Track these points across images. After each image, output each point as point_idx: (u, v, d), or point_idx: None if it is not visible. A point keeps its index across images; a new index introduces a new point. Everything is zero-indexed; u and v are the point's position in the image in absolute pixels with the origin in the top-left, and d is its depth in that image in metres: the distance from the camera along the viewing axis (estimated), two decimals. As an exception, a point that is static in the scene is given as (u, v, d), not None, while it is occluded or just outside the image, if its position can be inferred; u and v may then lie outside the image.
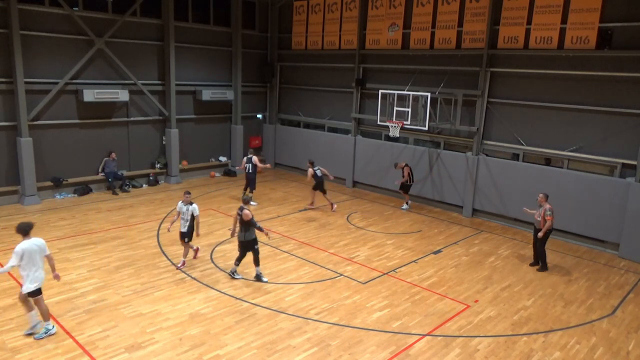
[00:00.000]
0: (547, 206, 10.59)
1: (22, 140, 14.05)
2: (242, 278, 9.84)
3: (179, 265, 10.23)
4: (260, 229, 9.58)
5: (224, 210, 14.57)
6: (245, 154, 15.91)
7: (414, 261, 11.27)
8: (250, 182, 15.31)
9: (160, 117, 17.51)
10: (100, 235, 12.02)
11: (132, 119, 16.82)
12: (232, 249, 11.47)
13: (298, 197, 16.23)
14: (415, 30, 15.71)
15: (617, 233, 12.20)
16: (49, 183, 15.00)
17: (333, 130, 18.93)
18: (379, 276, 10.32)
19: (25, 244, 7.20)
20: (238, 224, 9.66)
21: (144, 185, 17.08)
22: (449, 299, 9.44)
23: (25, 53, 14.00)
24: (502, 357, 7.57)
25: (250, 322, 8.19)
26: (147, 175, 17.28)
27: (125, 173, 16.65)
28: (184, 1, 17.59)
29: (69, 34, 14.92)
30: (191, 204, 10.07)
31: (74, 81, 15.20)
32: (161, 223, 13.05)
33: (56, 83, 14.74)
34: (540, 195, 10.82)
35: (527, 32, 13.34)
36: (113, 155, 16.11)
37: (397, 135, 15.06)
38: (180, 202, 10.18)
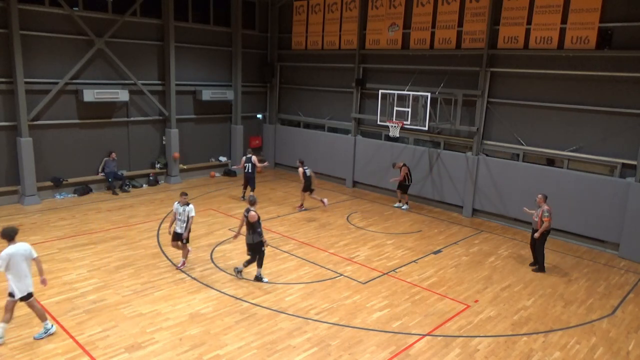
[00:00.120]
0: (545, 207, 10.59)
1: (22, 140, 14.05)
2: (244, 278, 9.85)
3: (179, 265, 10.23)
4: (259, 235, 9.48)
5: (224, 210, 14.57)
6: (244, 154, 15.92)
7: (414, 261, 11.28)
8: (250, 182, 15.32)
9: (160, 117, 17.51)
10: (100, 235, 12.02)
11: (132, 119, 16.82)
12: (232, 249, 11.48)
13: (298, 197, 16.18)
14: (415, 30, 15.71)
15: (617, 233, 12.20)
16: (49, 183, 15.00)
17: (333, 130, 18.93)
18: (379, 276, 10.33)
19: (11, 249, 7.10)
20: (245, 226, 9.59)
21: (144, 185, 17.08)
22: (449, 299, 9.44)
23: (25, 53, 14.00)
24: (502, 357, 7.57)
25: (250, 322, 8.19)
26: (147, 175, 17.28)
27: (125, 173, 16.65)
28: (184, 1, 17.59)
29: (69, 34, 14.92)
30: (188, 204, 10.00)
31: (74, 81, 15.20)
32: (161, 223, 13.05)
33: (56, 83, 14.75)
34: (539, 196, 10.82)
35: (527, 32, 13.34)
36: (113, 155, 16.11)
37: (397, 135, 15.07)
38: (177, 203, 10.09)
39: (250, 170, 15.20)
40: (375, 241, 12.51)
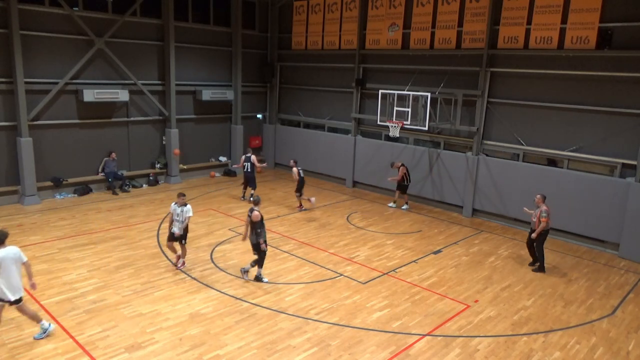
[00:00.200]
0: (544, 207, 10.60)
1: (22, 140, 14.05)
2: (250, 280, 9.82)
3: (179, 266, 10.22)
4: (258, 236, 9.40)
5: (224, 210, 14.57)
6: (244, 153, 15.95)
7: (414, 261, 11.27)
8: (250, 181, 15.36)
9: (160, 117, 17.51)
10: (100, 235, 12.02)
11: (132, 119, 16.82)
12: (232, 249, 11.48)
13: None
14: (415, 30, 15.71)
15: (617, 233, 12.20)
16: (49, 183, 15.00)
17: (333, 130, 18.92)
18: (379, 276, 10.32)
19: (1, 253, 7.02)
20: (249, 227, 9.56)
21: (144, 185, 17.08)
22: (449, 299, 9.44)
23: (25, 53, 14.00)
24: (502, 357, 7.57)
25: (250, 322, 8.19)
26: (147, 175, 17.28)
27: (125, 173, 16.65)
28: (184, 1, 17.59)
29: (69, 34, 14.92)
30: (185, 205, 9.91)
31: (74, 81, 15.20)
32: (161, 223, 13.04)
33: (56, 83, 14.74)
34: (538, 196, 10.83)
35: (527, 32, 13.34)
36: (113, 155, 16.11)
37: (397, 135, 15.06)
38: (174, 203, 10.01)
39: (249, 170, 15.22)
40: (375, 241, 12.51)
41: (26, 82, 14.05)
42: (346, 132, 18.32)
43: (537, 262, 11.07)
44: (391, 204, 15.74)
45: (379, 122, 15.32)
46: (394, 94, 14.67)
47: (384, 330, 8.17)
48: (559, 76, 13.04)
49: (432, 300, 9.35)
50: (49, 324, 7.57)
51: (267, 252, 9.75)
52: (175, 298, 8.92)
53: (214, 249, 11.44)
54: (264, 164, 16.69)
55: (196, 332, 7.83)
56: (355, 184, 18.23)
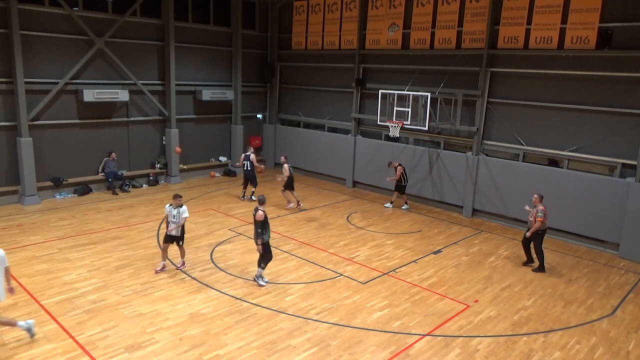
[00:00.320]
0: (540, 207, 10.62)
1: (22, 140, 14.05)
2: (268, 283, 9.71)
3: (178, 266, 10.23)
4: (258, 236, 9.32)
5: (224, 210, 14.57)
6: (244, 152, 15.99)
7: (414, 261, 11.27)
8: (251, 179, 15.43)
9: (160, 117, 17.51)
10: (100, 235, 12.02)
11: (132, 119, 16.82)
12: (232, 249, 11.49)
13: (298, 197, 16.20)
14: (415, 30, 15.71)
15: (617, 233, 12.20)
16: (49, 183, 15.00)
17: (333, 130, 18.92)
18: (379, 276, 10.32)
19: None
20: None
21: (144, 185, 17.08)
22: (449, 299, 9.44)
23: (25, 53, 14.00)
24: (502, 357, 7.57)
25: (250, 322, 8.19)
26: (147, 175, 17.28)
27: (125, 173, 16.65)
28: (184, 1, 17.59)
29: (69, 34, 14.92)
30: (181, 206, 9.77)
31: (74, 81, 15.20)
32: (161, 223, 13.03)
33: (56, 83, 14.74)
34: (535, 196, 10.85)
35: (527, 32, 13.34)
36: (113, 155, 16.11)
37: (397, 135, 15.06)
38: (169, 205, 9.80)
39: (249, 168, 15.27)
40: (375, 241, 12.51)
41: (26, 82, 14.05)
42: (346, 132, 18.32)
43: (532, 262, 11.14)
44: (388, 205, 15.73)
45: (379, 122, 15.32)
46: (394, 94, 14.68)
47: (384, 330, 8.17)
48: (559, 76, 13.04)
49: (432, 300, 9.36)
50: (25, 321, 7.37)
51: (269, 255, 9.64)
52: (175, 298, 8.92)
53: (214, 249, 11.44)
54: (263, 166, 16.65)
55: (196, 332, 7.83)
56: (355, 184, 18.23)
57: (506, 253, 12.07)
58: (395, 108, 14.60)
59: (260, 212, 9.32)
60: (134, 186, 16.68)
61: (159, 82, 17.28)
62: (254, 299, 9.01)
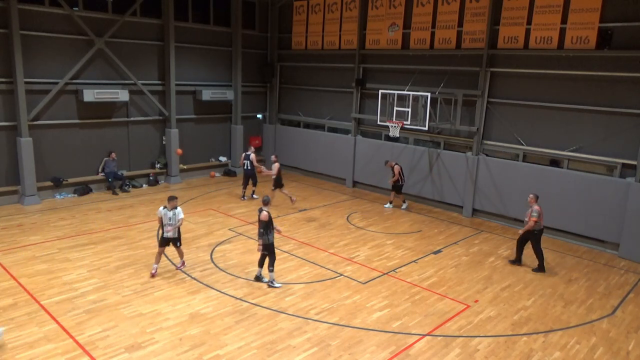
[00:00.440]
0: (535, 207, 10.66)
1: (22, 140, 14.05)
2: (280, 284, 9.68)
3: (178, 266, 10.22)
4: (261, 236, 9.34)
5: (224, 210, 14.57)
6: (244, 152, 16.02)
7: (414, 261, 11.27)
8: (252, 178, 15.48)
9: (160, 117, 17.51)
10: (100, 235, 12.02)
11: (132, 119, 16.82)
12: (232, 249, 11.49)
13: (298, 197, 16.21)
14: (415, 30, 15.71)
15: (617, 233, 12.20)
16: (49, 183, 14.99)
17: (333, 130, 18.92)
18: (379, 276, 10.32)
19: None
20: (260, 226, 9.47)
21: (144, 185, 17.07)
22: (449, 299, 9.44)
23: (25, 53, 14.00)
24: (502, 357, 7.57)
25: (250, 322, 8.19)
26: (147, 175, 17.28)
27: (125, 173, 16.65)
28: (184, 1, 17.59)
29: (69, 34, 14.92)
30: (176, 208, 9.68)
31: (74, 81, 15.20)
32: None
33: (56, 83, 14.74)
34: (531, 196, 10.89)
35: (527, 32, 13.34)
36: (113, 155, 16.11)
37: (397, 135, 15.06)
38: (162, 208, 9.62)
39: (249, 167, 15.32)
40: (375, 241, 12.51)
41: (26, 82, 14.05)
42: (346, 132, 18.32)
43: (519, 262, 11.24)
44: (387, 205, 15.73)
45: (379, 122, 15.32)
46: (394, 94, 14.68)
47: (384, 330, 8.17)
48: (559, 76, 13.04)
49: (432, 300, 9.35)
50: None
51: (273, 256, 9.60)
52: (175, 298, 8.92)
53: (214, 249, 11.44)
54: (263, 167, 16.61)
55: (196, 332, 7.83)
56: (355, 184, 18.23)
57: (506, 253, 12.06)
58: (395, 108, 14.60)
59: (264, 213, 9.33)
60: (134, 186, 16.68)
61: (159, 82, 17.28)
62: (254, 299, 9.00)
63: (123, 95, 15.83)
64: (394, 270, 10.65)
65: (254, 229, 12.53)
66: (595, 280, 10.72)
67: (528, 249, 11.20)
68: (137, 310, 8.39)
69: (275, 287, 9.51)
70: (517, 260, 11.31)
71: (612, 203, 12.18)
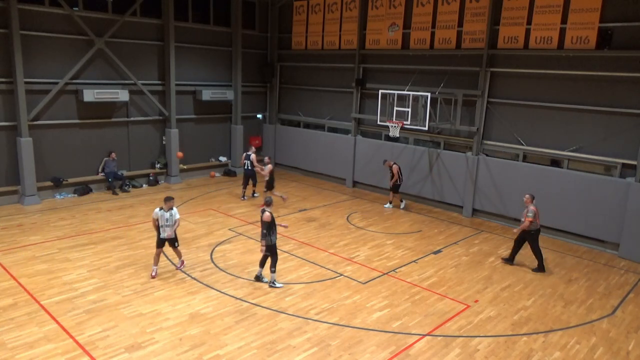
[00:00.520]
0: (531, 207, 10.66)
1: (22, 140, 14.05)
2: (281, 285, 9.67)
3: (178, 266, 10.22)
4: (264, 237, 9.30)
5: (224, 210, 14.57)
6: (245, 152, 16.03)
7: (414, 261, 11.27)
8: (252, 177, 15.50)
9: (160, 117, 17.51)
10: (100, 235, 12.02)
11: (132, 119, 16.82)
12: (232, 249, 11.49)
13: (298, 197, 16.23)
14: (415, 30, 15.71)
15: (617, 233, 12.20)
16: (49, 183, 14.99)
17: (333, 130, 18.92)
18: (379, 276, 10.32)
19: None
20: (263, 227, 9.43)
21: (144, 185, 17.07)
22: (449, 299, 9.44)
23: (25, 53, 14.00)
24: (502, 357, 7.57)
25: (250, 322, 8.19)
26: (147, 175, 17.28)
27: (125, 173, 16.65)
28: (184, 1, 17.59)
29: (69, 34, 14.92)
30: (172, 208, 9.64)
31: (74, 81, 15.20)
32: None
33: (56, 83, 14.74)
34: (527, 196, 10.88)
35: (527, 32, 13.34)
36: (113, 155, 16.11)
37: (397, 135, 15.06)
38: (159, 209, 9.54)
39: (250, 167, 15.35)
40: (375, 241, 12.51)
41: (26, 82, 14.05)
42: (346, 132, 18.32)
43: (512, 261, 11.24)
44: (387, 205, 15.73)
45: (379, 122, 15.32)
46: (394, 94, 14.67)
47: (384, 330, 8.17)
48: (559, 76, 13.04)
49: (432, 300, 9.35)
50: None
51: (275, 257, 9.59)
52: (175, 298, 8.92)
53: (214, 249, 11.44)
54: (264, 167, 16.56)
55: (196, 332, 7.83)
56: (355, 184, 18.23)
57: (506, 253, 12.04)
58: (395, 108, 14.60)
59: (267, 214, 9.31)
60: (134, 186, 16.68)
61: (159, 82, 17.28)
62: (254, 299, 9.01)
63: (123, 95, 15.83)
64: (394, 270, 10.65)
65: (254, 229, 12.55)
66: (595, 280, 10.72)
67: (527, 250, 11.20)
68: (137, 310, 8.40)
69: (277, 287, 9.52)
70: (509, 260, 11.31)
71: (612, 203, 12.18)
